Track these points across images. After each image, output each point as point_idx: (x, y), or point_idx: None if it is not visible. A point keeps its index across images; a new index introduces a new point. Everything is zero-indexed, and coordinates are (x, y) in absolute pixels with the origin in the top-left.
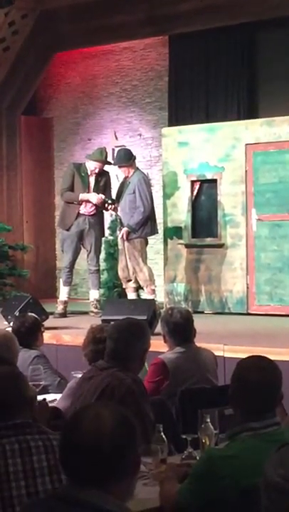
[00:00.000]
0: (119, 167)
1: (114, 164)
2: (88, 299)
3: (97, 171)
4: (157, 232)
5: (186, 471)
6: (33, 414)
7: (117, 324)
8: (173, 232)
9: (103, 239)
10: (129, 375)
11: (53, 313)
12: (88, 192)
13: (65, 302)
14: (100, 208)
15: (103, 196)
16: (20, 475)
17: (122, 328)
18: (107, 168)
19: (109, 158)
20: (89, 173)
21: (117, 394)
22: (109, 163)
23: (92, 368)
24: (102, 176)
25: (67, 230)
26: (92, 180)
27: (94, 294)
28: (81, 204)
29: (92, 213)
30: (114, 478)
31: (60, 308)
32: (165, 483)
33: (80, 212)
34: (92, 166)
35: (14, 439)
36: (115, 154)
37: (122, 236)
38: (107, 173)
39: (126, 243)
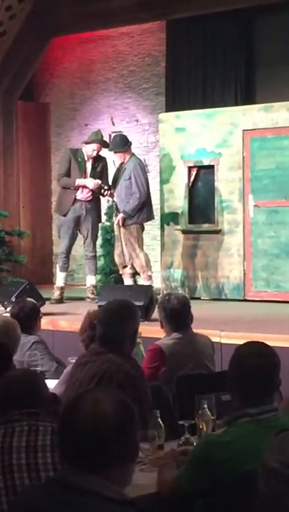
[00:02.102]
0: (115, 153)
1: (110, 150)
2: (85, 285)
3: (95, 153)
4: (153, 218)
5: (186, 459)
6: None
7: (105, 308)
8: (170, 218)
9: (100, 225)
10: (127, 360)
11: (50, 299)
12: (85, 177)
13: (62, 288)
14: (96, 194)
15: (99, 182)
16: (23, 449)
17: (111, 312)
18: (104, 154)
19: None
20: (86, 158)
21: (115, 380)
22: (107, 145)
23: (87, 353)
24: (99, 161)
25: (64, 215)
26: (88, 165)
27: (90, 280)
28: (77, 190)
29: (88, 199)
30: (113, 464)
31: (56, 294)
32: (164, 469)
33: (77, 197)
34: (90, 149)
35: (26, 423)
36: (111, 140)
37: (118, 222)
38: (104, 158)
39: (122, 229)
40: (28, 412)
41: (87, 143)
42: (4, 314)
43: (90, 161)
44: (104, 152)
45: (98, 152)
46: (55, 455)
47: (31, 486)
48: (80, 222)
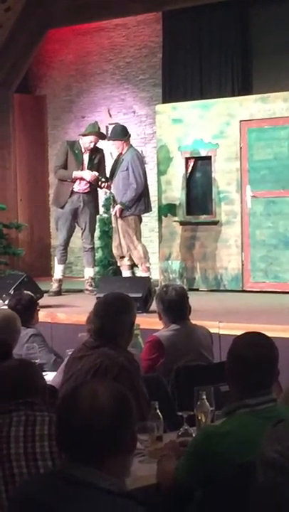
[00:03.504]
0: (114, 140)
1: (110, 138)
2: (83, 277)
3: (92, 145)
4: (151, 210)
5: (185, 450)
6: (45, 400)
7: (102, 301)
8: (167, 210)
9: (98, 217)
10: (121, 353)
11: (48, 292)
12: (82, 169)
13: (60, 280)
14: (93, 186)
15: (96, 173)
16: (21, 439)
17: (108, 305)
18: (101, 145)
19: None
20: (83, 150)
21: (110, 373)
22: (104, 136)
23: (82, 347)
24: (96, 153)
25: (62, 208)
26: (86, 157)
27: (89, 272)
28: (74, 182)
29: (86, 191)
30: (111, 456)
31: (54, 286)
32: (163, 461)
33: (74, 190)
34: (87, 141)
35: (23, 413)
36: (110, 130)
37: (116, 213)
38: (101, 150)
39: (119, 221)
40: (25, 402)
41: (84, 135)
42: (2, 307)
43: (87, 152)
44: (102, 144)
45: (95, 144)
46: (53, 444)
47: (31, 477)
48: (78, 215)
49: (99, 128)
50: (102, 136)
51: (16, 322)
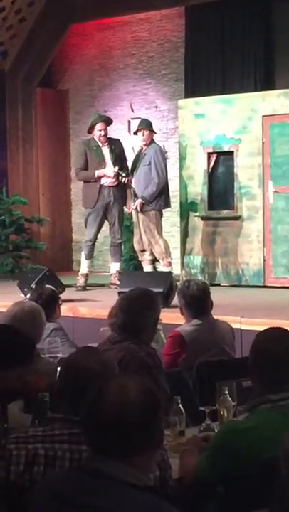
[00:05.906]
0: (145, 130)
1: (139, 127)
2: (104, 272)
3: (103, 133)
4: (170, 206)
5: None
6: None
7: (127, 296)
8: (189, 205)
9: None
10: (143, 348)
11: (76, 286)
12: (105, 164)
13: (87, 275)
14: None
15: (117, 169)
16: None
17: (133, 300)
18: (125, 139)
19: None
20: (100, 144)
21: (130, 368)
22: (110, 120)
23: (106, 341)
24: (115, 143)
25: (92, 208)
26: (105, 151)
27: (115, 266)
28: (98, 180)
29: (115, 184)
30: (138, 451)
31: (82, 281)
32: (186, 456)
33: (103, 184)
34: (96, 132)
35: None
36: (132, 125)
37: (136, 207)
38: (118, 139)
39: (140, 215)
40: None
41: (90, 128)
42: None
43: (106, 146)
44: (126, 138)
45: (105, 130)
46: None
47: (57, 471)
48: (108, 209)
49: (99, 114)
50: (107, 120)
51: (41, 316)
